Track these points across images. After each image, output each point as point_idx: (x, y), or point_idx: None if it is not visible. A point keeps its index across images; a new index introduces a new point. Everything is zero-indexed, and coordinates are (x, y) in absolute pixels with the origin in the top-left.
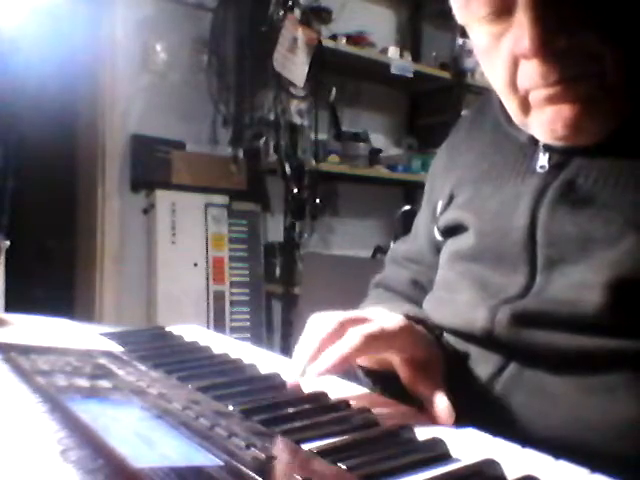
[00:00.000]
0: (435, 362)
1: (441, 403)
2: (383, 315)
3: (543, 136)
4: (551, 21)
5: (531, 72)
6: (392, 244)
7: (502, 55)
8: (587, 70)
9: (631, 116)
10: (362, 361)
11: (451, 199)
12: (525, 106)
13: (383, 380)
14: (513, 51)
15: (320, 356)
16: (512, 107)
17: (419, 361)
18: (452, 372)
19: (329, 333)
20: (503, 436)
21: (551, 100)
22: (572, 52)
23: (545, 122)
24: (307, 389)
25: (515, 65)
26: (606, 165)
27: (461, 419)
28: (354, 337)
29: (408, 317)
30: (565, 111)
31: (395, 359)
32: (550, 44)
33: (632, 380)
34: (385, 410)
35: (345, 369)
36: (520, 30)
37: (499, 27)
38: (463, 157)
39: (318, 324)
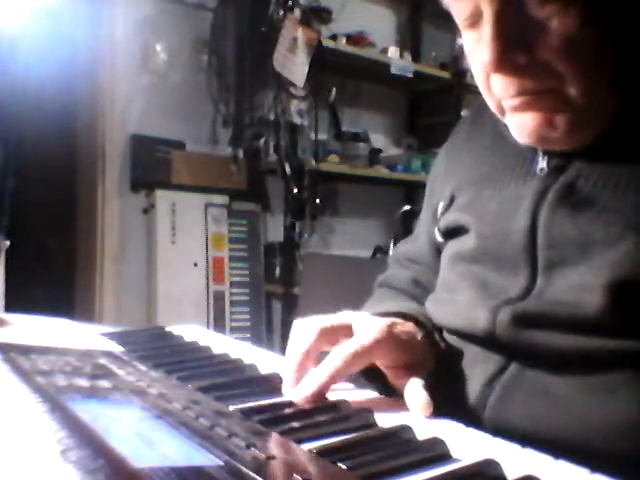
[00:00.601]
0: (419, 363)
1: (416, 395)
2: (364, 324)
3: (517, 138)
4: (511, 37)
5: (496, 83)
6: (392, 244)
7: (477, 62)
8: (547, 85)
9: (629, 118)
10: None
11: (452, 201)
12: (500, 109)
13: (376, 377)
14: (482, 61)
15: (303, 381)
16: (492, 109)
17: (402, 364)
18: (449, 370)
19: (308, 348)
20: (503, 436)
21: (516, 109)
22: (531, 67)
23: (515, 128)
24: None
25: (487, 73)
26: (606, 168)
27: (461, 419)
28: (336, 360)
29: (398, 315)
30: (528, 121)
31: (381, 364)
32: (509, 59)
33: (632, 380)
34: (385, 410)
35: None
36: (483, 43)
37: (475, 34)
38: (463, 159)
39: (299, 336)
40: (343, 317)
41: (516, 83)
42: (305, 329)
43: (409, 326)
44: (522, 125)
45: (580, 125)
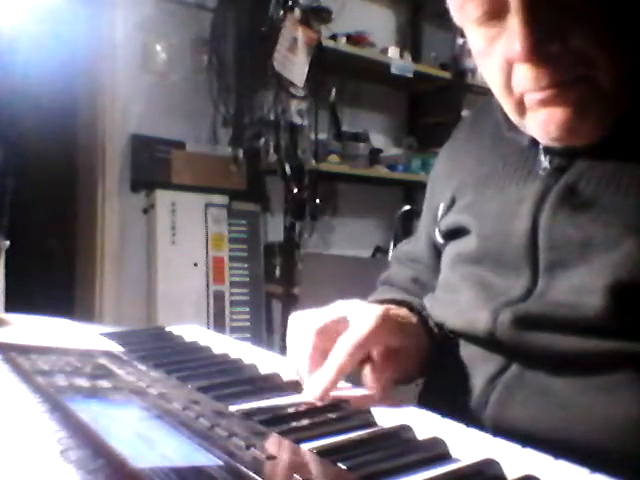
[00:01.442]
0: (414, 345)
1: (372, 382)
2: (358, 313)
3: (539, 137)
4: (542, 26)
5: (524, 76)
6: (392, 244)
7: (496, 58)
8: (579, 74)
9: (631, 119)
10: None
11: (452, 202)
12: (521, 108)
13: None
14: (506, 55)
15: (312, 381)
16: (508, 108)
17: (392, 348)
18: (449, 370)
19: (312, 350)
20: (503, 436)
21: (544, 103)
22: (564, 56)
23: (539, 124)
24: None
25: (509, 68)
26: (608, 169)
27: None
28: (340, 355)
29: (392, 301)
30: (558, 114)
31: (373, 350)
32: (541, 49)
33: (633, 381)
34: (385, 410)
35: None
36: (512, 34)
37: (493, 30)
38: (464, 160)
39: (298, 340)
40: (337, 310)
41: (548, 73)
42: (302, 331)
43: (403, 311)
44: (550, 120)
45: (609, 115)
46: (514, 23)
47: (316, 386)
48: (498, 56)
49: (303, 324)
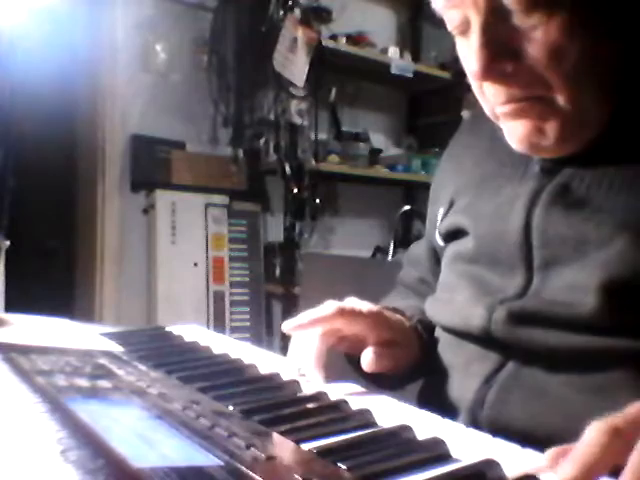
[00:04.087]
0: (405, 343)
1: (367, 354)
2: (357, 302)
3: (512, 145)
4: (497, 46)
5: (488, 90)
6: (392, 244)
7: (469, 68)
8: (535, 93)
9: (619, 122)
10: (344, 348)
11: (451, 205)
12: (494, 115)
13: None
14: (469, 71)
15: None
16: (488, 114)
17: (389, 340)
18: (449, 369)
19: (329, 315)
20: (501, 434)
21: (508, 116)
22: (518, 75)
23: (507, 134)
24: (307, 389)
25: (477, 79)
26: (600, 169)
27: (459, 417)
28: (327, 308)
29: (389, 309)
30: (519, 128)
31: (370, 338)
32: (495, 68)
33: (627, 379)
34: (385, 410)
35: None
36: (471, 52)
37: (467, 41)
38: (462, 164)
39: (324, 307)
40: (348, 300)
41: (505, 91)
42: (327, 307)
43: (397, 316)
44: (513, 132)
45: (569, 132)
46: (472, 42)
47: (290, 324)
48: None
49: (332, 303)
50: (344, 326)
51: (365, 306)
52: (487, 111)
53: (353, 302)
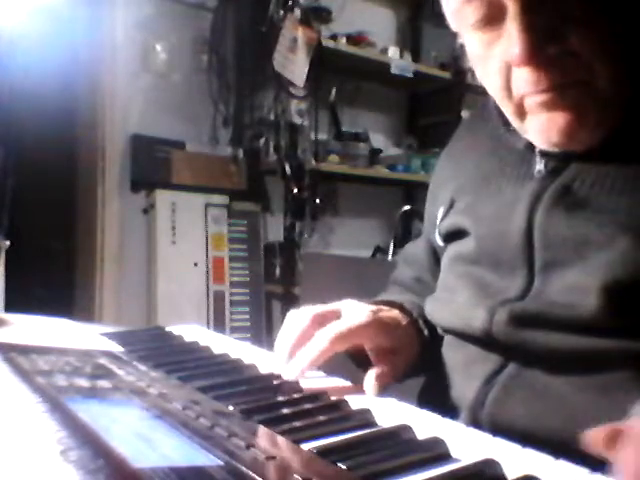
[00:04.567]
0: (402, 346)
1: (368, 379)
2: (351, 309)
3: (538, 141)
4: (540, 29)
5: (523, 79)
6: (392, 244)
7: (495, 62)
8: (577, 78)
9: (625, 122)
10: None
11: (451, 205)
12: (521, 111)
13: (364, 362)
14: (504, 59)
15: (295, 357)
16: (509, 112)
17: (385, 346)
18: (449, 370)
19: (303, 330)
20: (501, 435)
21: (544, 106)
22: (562, 59)
23: (540, 128)
24: (307, 388)
25: (508, 71)
26: (602, 170)
27: (460, 418)
28: (323, 340)
29: (385, 302)
30: (558, 118)
31: (367, 347)
32: (539, 52)
33: (629, 380)
34: (385, 410)
35: (320, 365)
36: (510, 38)
37: (491, 34)
38: (463, 164)
39: (293, 321)
40: (333, 305)
41: (546, 76)
42: (299, 317)
43: (394, 312)
44: (550, 124)
45: (608, 117)
46: (512, 27)
47: (295, 365)
48: (496, 60)
49: (301, 312)
50: (344, 348)
51: (360, 314)
52: (510, 109)
53: (346, 309)
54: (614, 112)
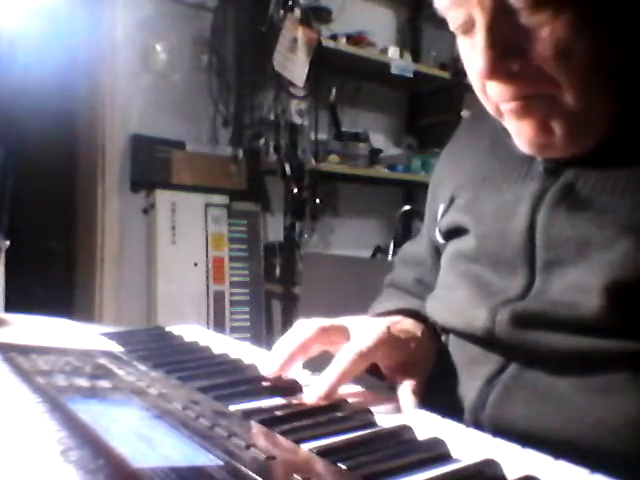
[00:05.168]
0: (417, 360)
1: (406, 399)
2: (361, 328)
3: (519, 145)
4: (504, 45)
5: (492, 88)
6: (392, 244)
7: (473, 67)
8: (542, 91)
9: (626, 124)
10: None
11: (451, 202)
12: (499, 113)
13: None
14: (475, 69)
15: (316, 384)
16: (491, 112)
17: (400, 363)
18: (448, 370)
19: (305, 340)
20: (502, 436)
21: (514, 114)
22: (525, 74)
23: (514, 134)
24: (306, 388)
25: (483, 79)
26: (605, 170)
27: (461, 418)
28: (342, 362)
29: (400, 312)
30: (525, 127)
31: (380, 364)
32: (502, 67)
33: (630, 381)
34: (385, 410)
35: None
36: (476, 51)
37: (470, 40)
38: (463, 162)
39: (298, 330)
40: (341, 320)
41: (511, 88)
42: (305, 327)
43: (408, 323)
44: (520, 132)
45: (577, 131)
46: (479, 41)
47: (317, 389)
48: (474, 66)
49: (308, 323)
50: (360, 370)
51: (373, 329)
52: (490, 109)
53: (358, 324)
54: (585, 126)
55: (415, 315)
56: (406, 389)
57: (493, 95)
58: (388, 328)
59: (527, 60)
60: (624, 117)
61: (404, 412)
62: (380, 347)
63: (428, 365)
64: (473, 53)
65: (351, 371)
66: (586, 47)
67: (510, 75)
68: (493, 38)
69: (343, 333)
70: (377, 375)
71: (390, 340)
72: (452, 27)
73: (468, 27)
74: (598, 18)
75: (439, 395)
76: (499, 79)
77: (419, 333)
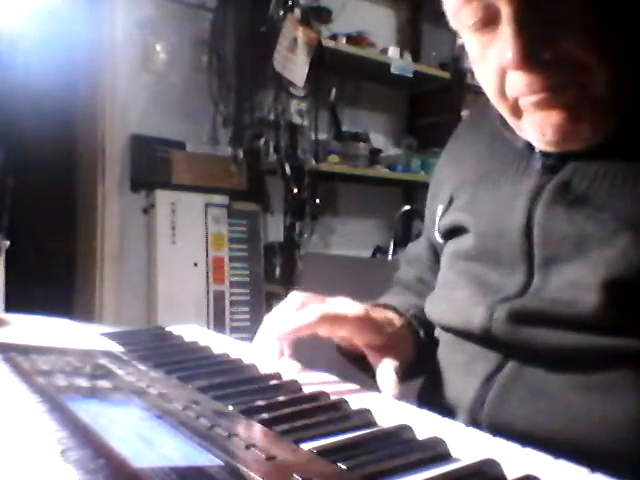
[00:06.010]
0: (396, 346)
1: (386, 376)
2: (343, 303)
3: (535, 140)
4: (534, 33)
5: (517, 81)
6: (392, 244)
7: (490, 63)
8: (573, 79)
9: (624, 120)
10: (340, 341)
11: (450, 202)
12: (516, 111)
13: (357, 360)
14: (498, 62)
15: (271, 326)
16: (504, 112)
17: (379, 344)
18: (449, 369)
19: (291, 309)
20: (501, 434)
21: (539, 106)
22: (556, 63)
23: (536, 126)
24: (306, 388)
25: (503, 74)
26: (602, 167)
27: (459, 417)
28: (310, 313)
29: (378, 305)
30: (553, 117)
31: (358, 343)
32: (533, 56)
33: (630, 378)
34: (385, 410)
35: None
36: (504, 42)
37: (487, 36)
38: (462, 162)
39: (285, 303)
40: (328, 298)
41: (541, 79)
42: (289, 300)
43: (388, 313)
44: (545, 122)
45: (605, 119)
46: (506, 31)
47: (275, 329)
48: (492, 62)
49: (297, 294)
50: (328, 332)
51: (351, 308)
52: (506, 109)
53: (338, 303)
54: (612, 113)
55: (394, 309)
56: (385, 368)
57: (517, 89)
58: (366, 310)
59: (558, 48)
60: (621, 115)
61: (383, 391)
62: (351, 321)
63: (406, 354)
64: (491, 49)
65: (312, 326)
66: (618, 33)
67: (541, 64)
68: (522, 26)
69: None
70: (368, 371)
71: (364, 319)
72: (465, 24)
73: (487, 21)
74: (625, 3)
75: (438, 395)
76: (531, 69)
77: (398, 323)
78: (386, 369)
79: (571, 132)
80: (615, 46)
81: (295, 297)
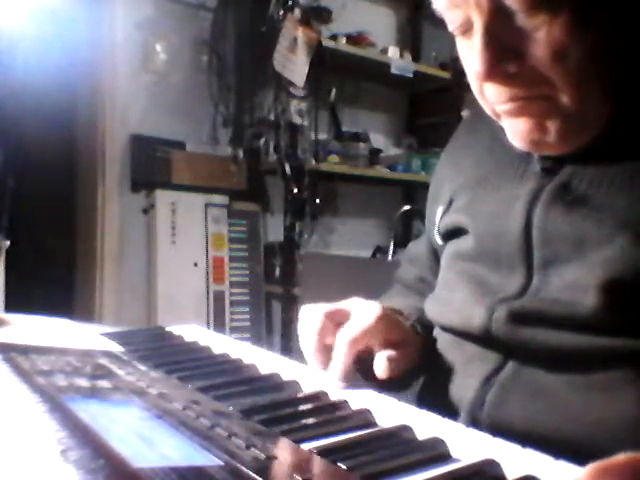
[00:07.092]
0: (408, 341)
1: (380, 359)
2: (360, 307)
3: (513, 142)
4: (500, 47)
5: (488, 90)
6: (392, 244)
7: (470, 68)
8: (538, 92)
9: (622, 120)
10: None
11: (450, 204)
12: (495, 114)
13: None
14: (472, 71)
15: (329, 376)
16: (488, 113)
17: (393, 341)
18: (446, 368)
19: (319, 330)
20: (501, 434)
21: (509, 114)
22: (522, 76)
23: (509, 132)
24: (307, 389)
25: (480, 80)
26: (601, 168)
27: (459, 417)
28: (342, 347)
29: (388, 309)
30: (520, 126)
31: (374, 343)
32: (499, 69)
33: (629, 379)
34: (385, 410)
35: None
36: (474, 53)
37: (468, 42)
38: (462, 163)
39: (307, 323)
40: (341, 303)
41: (507, 90)
42: (312, 314)
43: (398, 316)
44: (515, 130)
45: (572, 130)
46: (476, 43)
47: (334, 372)
48: (471, 67)
49: (313, 309)
50: (360, 347)
51: (370, 310)
52: (487, 110)
53: (357, 305)
54: (581, 125)
55: (399, 313)
56: (382, 356)
57: (490, 97)
58: (382, 309)
59: (524, 62)
60: (619, 114)
61: (378, 375)
62: (374, 326)
63: (416, 349)
64: (470, 54)
65: (350, 354)
66: (582, 49)
67: (507, 77)
68: (490, 40)
69: (346, 314)
70: (368, 376)
71: (384, 318)
72: (450, 28)
73: (466, 28)
74: (594, 19)
75: (438, 395)
76: (496, 81)
77: (407, 324)
78: (382, 356)
79: (538, 141)
80: (580, 64)
81: (312, 318)
